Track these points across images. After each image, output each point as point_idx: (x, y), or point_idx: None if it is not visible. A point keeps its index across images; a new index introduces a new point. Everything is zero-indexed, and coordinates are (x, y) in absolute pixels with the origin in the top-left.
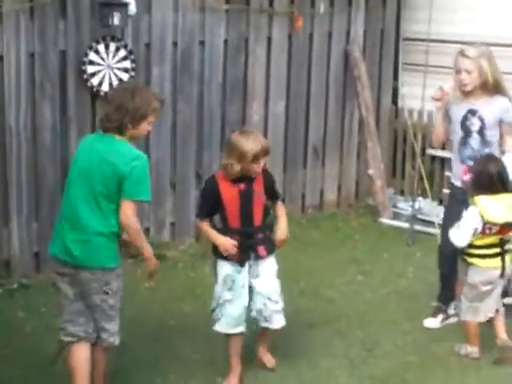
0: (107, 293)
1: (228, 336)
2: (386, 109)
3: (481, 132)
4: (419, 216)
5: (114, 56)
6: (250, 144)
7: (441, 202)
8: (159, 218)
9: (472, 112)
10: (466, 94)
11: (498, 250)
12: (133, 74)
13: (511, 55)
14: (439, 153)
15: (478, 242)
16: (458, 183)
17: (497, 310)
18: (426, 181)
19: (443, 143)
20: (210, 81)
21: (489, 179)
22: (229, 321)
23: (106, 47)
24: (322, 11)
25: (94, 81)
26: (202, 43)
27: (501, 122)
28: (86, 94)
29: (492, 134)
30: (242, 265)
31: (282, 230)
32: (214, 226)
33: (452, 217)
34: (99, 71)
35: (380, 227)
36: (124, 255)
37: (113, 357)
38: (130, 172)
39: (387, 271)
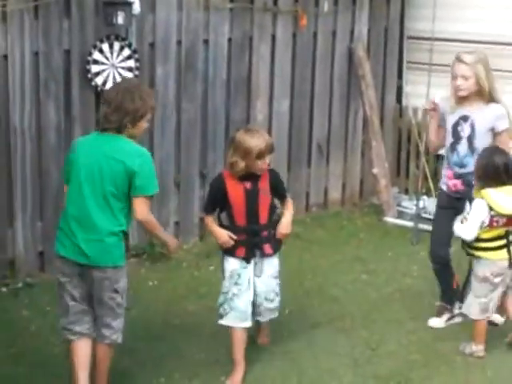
0: (117, 291)
1: (233, 331)
2: (390, 107)
3: (469, 139)
4: (423, 215)
5: (118, 55)
6: (255, 141)
7: None
8: (163, 218)
9: (464, 118)
10: (461, 100)
11: (504, 241)
12: (137, 73)
13: None
14: (443, 152)
15: (486, 235)
16: (444, 187)
17: (504, 292)
18: (430, 179)
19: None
20: (214, 79)
21: (494, 170)
22: (237, 314)
23: (111, 46)
24: (326, 10)
25: (99, 80)
26: (206, 42)
27: (494, 132)
28: (91, 94)
29: (480, 143)
30: (248, 261)
31: (283, 224)
32: (220, 224)
33: (438, 221)
34: (103, 70)
35: (384, 226)
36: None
37: (117, 356)
38: (140, 168)
39: (392, 270)
